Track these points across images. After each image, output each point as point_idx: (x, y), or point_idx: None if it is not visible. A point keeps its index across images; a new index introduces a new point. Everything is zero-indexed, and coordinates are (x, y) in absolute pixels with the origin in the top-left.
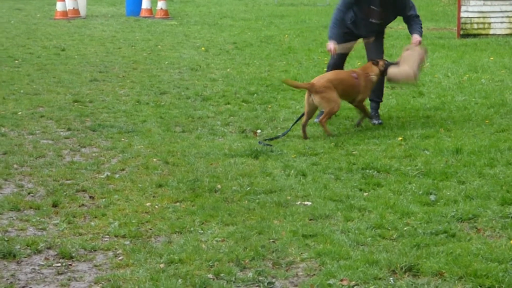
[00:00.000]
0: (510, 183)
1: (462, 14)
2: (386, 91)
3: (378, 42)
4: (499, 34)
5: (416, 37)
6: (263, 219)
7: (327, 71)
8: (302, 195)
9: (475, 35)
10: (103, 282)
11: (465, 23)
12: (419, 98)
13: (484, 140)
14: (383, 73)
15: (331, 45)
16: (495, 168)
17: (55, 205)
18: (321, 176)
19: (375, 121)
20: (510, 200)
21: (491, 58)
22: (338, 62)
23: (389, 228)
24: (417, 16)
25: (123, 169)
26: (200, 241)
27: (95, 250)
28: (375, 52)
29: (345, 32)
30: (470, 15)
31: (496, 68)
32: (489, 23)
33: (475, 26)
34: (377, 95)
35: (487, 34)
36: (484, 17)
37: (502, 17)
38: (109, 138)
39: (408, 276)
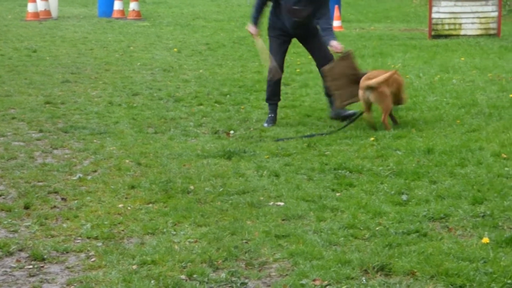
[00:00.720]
0: (481, 183)
1: (433, 15)
2: None
3: (318, 43)
4: (470, 35)
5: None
6: (236, 220)
7: (268, 75)
8: (275, 195)
9: (446, 36)
10: (75, 284)
11: (436, 24)
12: None
13: (455, 140)
14: None
15: (252, 28)
16: (466, 168)
17: (26, 207)
18: (294, 177)
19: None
20: (481, 199)
21: (462, 59)
22: (280, 63)
23: (362, 228)
24: (329, 17)
25: (95, 171)
26: (173, 242)
27: (67, 252)
28: (322, 53)
29: (279, 34)
30: (441, 16)
31: (467, 68)
32: (460, 24)
33: (446, 27)
34: None
35: (458, 35)
36: (455, 18)
37: (473, 17)
38: (81, 139)
39: (380, 275)
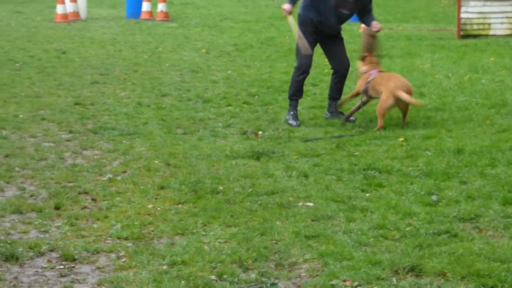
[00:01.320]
0: (511, 183)
1: (462, 15)
2: None
3: (340, 47)
4: (499, 35)
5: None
6: (265, 220)
7: (295, 72)
8: (304, 196)
9: (475, 36)
10: (106, 284)
11: (465, 24)
12: (420, 98)
13: (485, 140)
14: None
15: (287, 6)
16: (496, 168)
17: (57, 208)
18: (323, 177)
19: (341, 117)
20: (511, 200)
21: (491, 59)
22: (308, 61)
23: (391, 229)
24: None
25: (125, 171)
26: (202, 243)
27: (97, 252)
28: (342, 58)
29: (312, 30)
30: (470, 16)
31: (497, 68)
32: (489, 24)
33: (475, 27)
34: (338, 91)
35: (487, 35)
36: (484, 18)
37: (502, 17)
38: (110, 140)
39: (411, 276)
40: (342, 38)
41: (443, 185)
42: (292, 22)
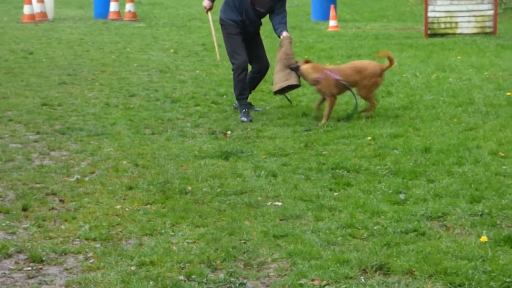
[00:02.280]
0: (478, 181)
1: (429, 14)
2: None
3: (261, 48)
4: (466, 33)
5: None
6: (234, 220)
7: (235, 73)
8: (273, 195)
9: (442, 35)
10: (74, 286)
11: (432, 23)
12: (387, 97)
13: (453, 139)
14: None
15: (207, 3)
16: (463, 167)
17: (24, 209)
18: (292, 177)
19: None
20: (478, 198)
21: (459, 57)
22: (243, 59)
23: (360, 228)
24: (285, 15)
25: (93, 172)
26: (171, 243)
27: (65, 254)
28: (261, 57)
29: (238, 31)
30: (437, 14)
31: (464, 67)
32: (456, 23)
33: (442, 25)
34: (254, 86)
35: (454, 34)
36: (451, 17)
37: (469, 16)
38: (78, 141)
39: (379, 275)
40: (261, 39)
41: (411, 184)
42: (211, 20)
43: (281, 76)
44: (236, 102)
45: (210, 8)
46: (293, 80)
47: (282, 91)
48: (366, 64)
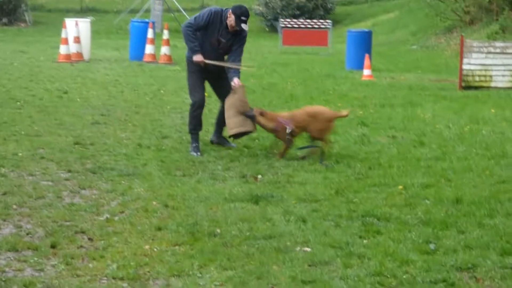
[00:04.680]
0: (509, 234)
1: (464, 66)
2: (387, 140)
3: (225, 80)
4: (500, 87)
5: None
6: (262, 264)
7: (191, 108)
8: (302, 241)
9: (476, 87)
10: None
11: (467, 75)
12: (420, 147)
13: (484, 191)
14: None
15: (199, 57)
16: (495, 219)
17: (53, 246)
18: (321, 223)
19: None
20: (509, 250)
21: (492, 110)
22: (201, 97)
23: (388, 276)
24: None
25: (122, 212)
26: (198, 285)
27: None
28: (227, 88)
29: (197, 69)
30: (472, 67)
31: (497, 120)
32: (491, 76)
33: (477, 78)
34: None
35: (488, 87)
36: (485, 70)
37: (504, 70)
38: (109, 180)
39: None
40: (226, 76)
41: (441, 234)
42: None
43: (237, 121)
44: (213, 136)
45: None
46: (249, 127)
47: (238, 135)
48: (317, 109)
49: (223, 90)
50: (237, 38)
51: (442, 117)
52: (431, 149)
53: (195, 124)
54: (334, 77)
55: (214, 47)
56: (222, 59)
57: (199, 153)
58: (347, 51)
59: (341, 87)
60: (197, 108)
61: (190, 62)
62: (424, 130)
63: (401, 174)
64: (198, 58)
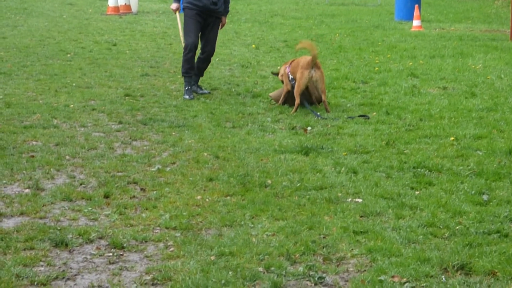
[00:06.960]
0: None
1: None
2: (438, 91)
3: (214, 35)
4: None
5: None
6: (314, 215)
7: (184, 52)
8: (353, 192)
9: None
10: (154, 273)
11: None
12: (471, 99)
13: None
14: None
15: (174, 5)
16: None
17: (106, 196)
18: (372, 174)
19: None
20: None
21: None
22: (193, 41)
23: (441, 227)
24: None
25: (174, 163)
26: (250, 235)
27: (146, 241)
28: (212, 43)
29: (195, 13)
30: None
31: None
32: None
33: None
34: (200, 69)
35: None
36: None
37: None
38: (160, 132)
39: (460, 274)
40: (218, 26)
41: (494, 185)
42: (179, 18)
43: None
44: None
45: (178, 9)
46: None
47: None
48: (301, 58)
49: (208, 41)
50: None
51: (493, 68)
52: (483, 100)
53: (187, 68)
54: (383, 28)
55: None
56: (216, 13)
57: (192, 96)
58: (396, 2)
59: (390, 38)
60: (188, 52)
61: (186, 7)
62: (475, 81)
63: (452, 125)
64: (172, 5)
